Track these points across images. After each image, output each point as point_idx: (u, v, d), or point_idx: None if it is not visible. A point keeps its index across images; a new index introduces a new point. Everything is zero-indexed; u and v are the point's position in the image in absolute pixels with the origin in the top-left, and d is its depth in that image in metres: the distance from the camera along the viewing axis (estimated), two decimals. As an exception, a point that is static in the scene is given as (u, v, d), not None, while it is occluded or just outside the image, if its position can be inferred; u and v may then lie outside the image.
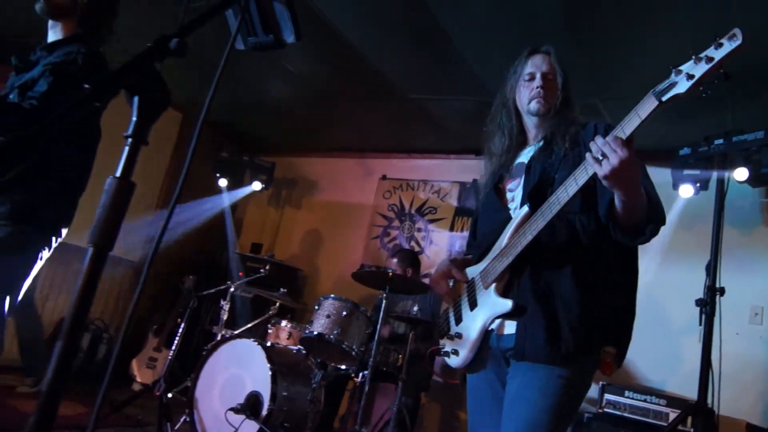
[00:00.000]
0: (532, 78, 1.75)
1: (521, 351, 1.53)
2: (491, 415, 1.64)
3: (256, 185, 5.66)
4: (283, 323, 3.70)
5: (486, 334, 1.66)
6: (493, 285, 1.63)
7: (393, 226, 5.29)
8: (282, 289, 3.81)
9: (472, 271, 1.76)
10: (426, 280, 3.64)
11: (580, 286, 1.51)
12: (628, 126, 1.31)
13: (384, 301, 3.19)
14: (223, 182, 5.67)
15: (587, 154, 1.34)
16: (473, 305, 1.70)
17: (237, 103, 4.92)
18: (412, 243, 5.09)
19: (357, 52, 3.64)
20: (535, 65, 1.76)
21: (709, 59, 1.18)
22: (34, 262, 1.96)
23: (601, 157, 1.29)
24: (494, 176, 1.86)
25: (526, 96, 1.75)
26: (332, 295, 3.36)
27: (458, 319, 1.77)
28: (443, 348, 1.80)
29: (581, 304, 1.50)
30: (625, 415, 3.30)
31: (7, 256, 1.86)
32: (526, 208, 1.59)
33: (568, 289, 1.52)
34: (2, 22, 4.11)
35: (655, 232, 1.44)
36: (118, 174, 0.71)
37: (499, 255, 1.62)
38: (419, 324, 3.34)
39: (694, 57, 1.20)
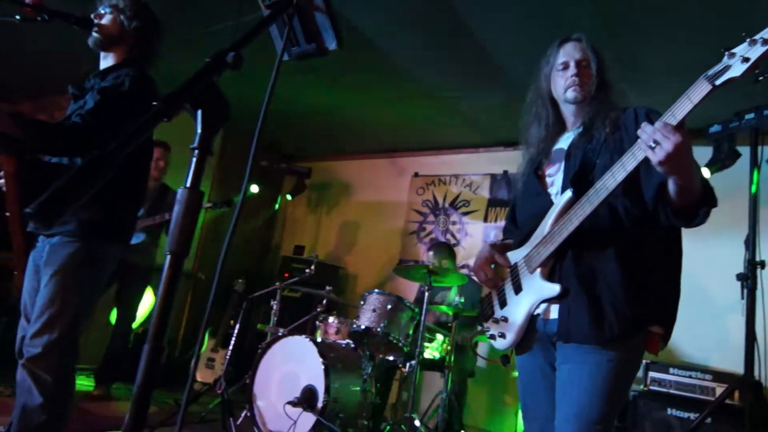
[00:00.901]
0: (566, 67, 1.70)
1: (566, 332, 1.50)
2: (543, 395, 1.62)
3: (290, 191, 5.75)
4: (331, 319, 3.73)
5: (532, 318, 1.63)
6: (539, 269, 1.60)
7: (428, 221, 5.26)
8: (328, 287, 3.84)
9: (514, 256, 1.73)
10: (464, 271, 3.62)
11: (624, 268, 1.47)
12: (680, 111, 1.26)
13: (426, 293, 3.19)
14: (255, 188, 5.72)
15: (639, 141, 1.30)
16: (518, 289, 1.67)
17: (272, 113, 4.97)
18: (448, 236, 5.06)
19: (385, 56, 3.63)
20: (567, 54, 1.71)
21: (765, 41, 1.13)
22: (105, 274, 2.00)
23: (653, 144, 1.25)
24: (533, 162, 1.82)
25: (562, 85, 1.70)
26: (376, 290, 3.37)
27: (503, 303, 1.75)
28: (488, 331, 1.78)
29: (625, 286, 1.46)
30: (671, 391, 3.21)
31: (79, 271, 1.88)
32: (569, 194, 1.55)
33: (612, 272, 1.48)
34: (54, 56, 4.25)
35: (707, 215, 1.38)
36: (188, 184, 0.72)
37: (543, 240, 1.59)
38: (462, 313, 3.32)
39: (748, 39, 1.15)
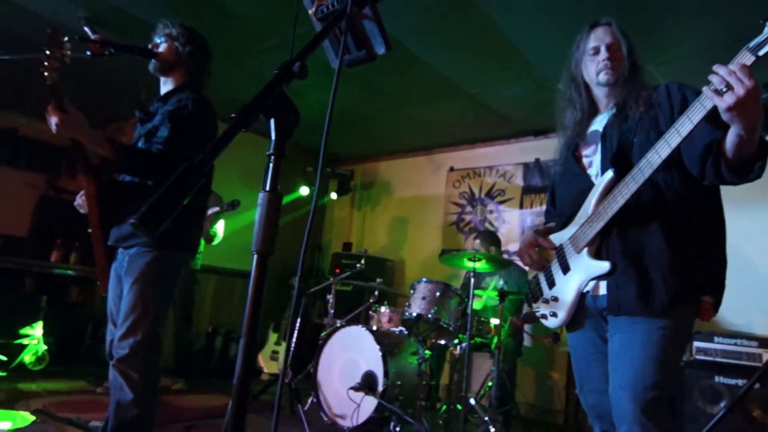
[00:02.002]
0: (596, 51, 1.64)
1: (616, 306, 1.45)
2: (597, 368, 1.57)
3: (334, 194, 5.87)
4: (383, 309, 3.73)
5: (582, 296, 1.58)
6: (586, 249, 1.55)
7: (466, 212, 5.20)
8: (378, 279, 3.84)
9: (558, 238, 1.69)
10: (505, 256, 3.55)
11: (669, 240, 1.41)
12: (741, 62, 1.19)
13: (472, 279, 3.15)
14: (305, 191, 5.80)
15: (705, 89, 1.21)
16: (566, 269, 1.63)
17: (316, 122, 5.02)
18: (486, 224, 4.99)
19: (418, 59, 3.60)
20: (598, 38, 1.65)
21: None
22: (178, 280, 2.04)
23: (725, 89, 1.15)
24: (569, 146, 1.76)
25: (594, 69, 1.64)
26: (424, 279, 3.35)
27: (551, 284, 1.70)
28: (538, 311, 1.74)
29: (671, 258, 1.40)
30: (717, 360, 3.06)
31: (155, 278, 1.93)
32: (610, 173, 1.50)
33: (657, 245, 1.42)
34: (115, 88, 4.41)
35: (763, 169, 1.28)
36: (267, 187, 0.72)
37: (588, 220, 1.54)
38: (507, 296, 3.27)
39: None
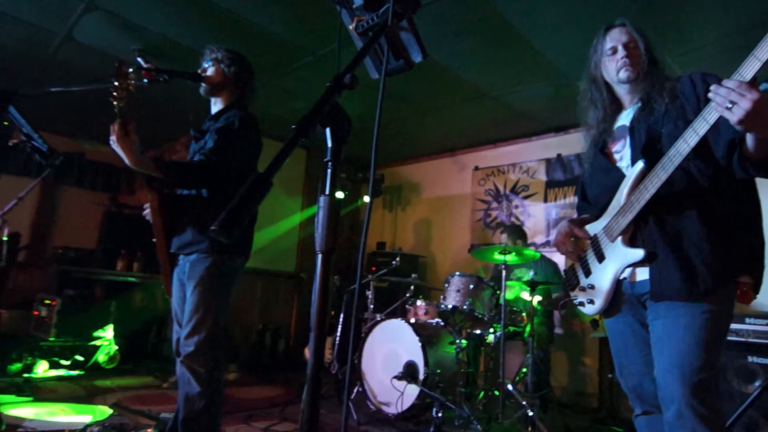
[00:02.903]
0: (614, 51, 1.59)
1: (659, 292, 1.40)
2: (636, 352, 1.53)
3: (366, 197, 5.86)
4: (419, 302, 3.72)
5: (618, 282, 1.54)
6: (620, 238, 1.51)
7: (492, 208, 5.13)
8: (413, 275, 3.83)
9: (592, 228, 1.65)
10: (531, 248, 3.49)
11: (706, 225, 1.36)
12: (749, 70, 1.14)
13: (503, 271, 3.11)
14: (340, 195, 5.82)
15: (712, 104, 1.19)
16: (601, 258, 1.58)
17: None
18: (512, 219, 4.91)
19: (442, 66, 3.58)
20: (614, 39, 1.61)
21: None
22: (235, 282, 2.07)
23: (730, 105, 1.13)
24: (597, 143, 1.72)
25: (613, 68, 1.60)
26: (458, 273, 3.32)
27: (587, 272, 1.66)
28: (575, 299, 1.70)
29: (710, 242, 1.34)
30: (750, 340, 2.94)
31: (214, 281, 1.96)
32: (641, 164, 1.45)
33: (696, 230, 1.37)
34: (166, 110, 4.54)
35: None
36: (326, 191, 0.73)
37: (621, 210, 1.50)
38: (536, 285, 3.21)
39: None
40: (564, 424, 3.26)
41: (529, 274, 3.56)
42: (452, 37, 3.23)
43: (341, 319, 3.93)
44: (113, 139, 1.83)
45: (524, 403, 2.95)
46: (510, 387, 3.03)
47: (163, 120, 4.65)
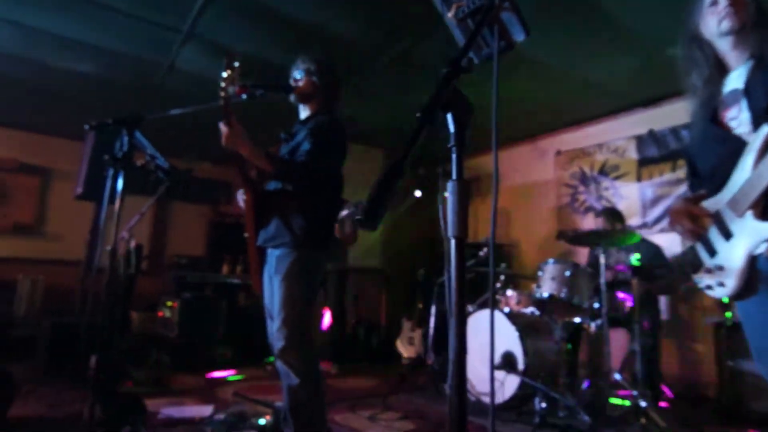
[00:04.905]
0: (714, 2, 1.41)
1: None
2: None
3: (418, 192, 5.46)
4: (509, 292, 3.60)
5: (752, 260, 1.36)
6: (750, 211, 1.33)
7: (579, 192, 4.83)
8: (503, 264, 3.72)
9: (712, 204, 1.47)
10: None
11: None
12: None
13: (602, 256, 2.91)
14: (418, 194, 5.74)
15: None
16: (728, 235, 1.40)
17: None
18: (603, 201, 4.59)
19: (519, 51, 3.42)
20: None
21: None
22: (319, 276, 2.08)
23: None
24: (706, 110, 1.53)
25: (715, 20, 1.40)
26: (552, 260, 3.16)
27: (711, 252, 1.48)
28: (700, 282, 1.52)
29: None
30: None
31: (299, 275, 1.98)
32: (766, 128, 1.27)
33: None
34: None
35: None
36: (454, 177, 0.71)
37: (748, 182, 1.32)
38: (642, 269, 2.96)
39: None
40: (680, 416, 2.98)
41: (633, 258, 3.29)
42: (532, 20, 3.06)
43: (433, 311, 3.90)
44: (224, 135, 1.93)
45: (635, 392, 2.74)
46: (618, 376, 2.83)
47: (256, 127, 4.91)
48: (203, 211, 5.99)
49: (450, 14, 1.05)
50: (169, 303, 4.56)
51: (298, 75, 2.24)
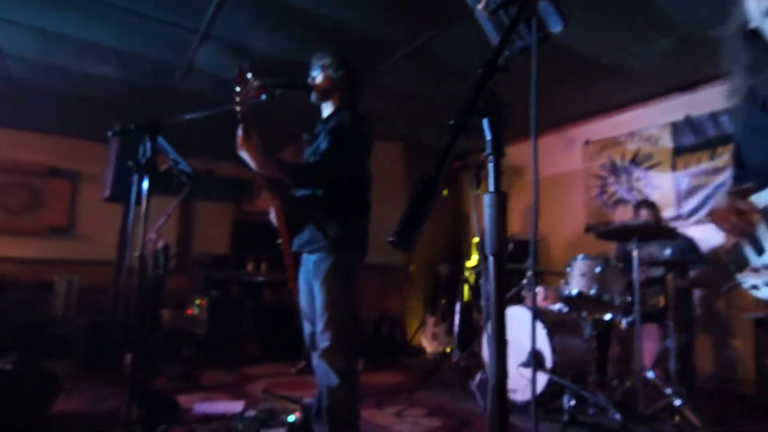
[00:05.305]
0: None
1: None
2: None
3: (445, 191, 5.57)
4: (536, 288, 3.51)
5: (805, 258, 1.26)
6: (803, 208, 1.23)
7: (610, 183, 4.65)
8: (529, 260, 3.62)
9: (761, 199, 1.37)
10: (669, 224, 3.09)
11: None
12: None
13: (634, 250, 2.78)
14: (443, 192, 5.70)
15: None
16: (779, 233, 1.31)
17: (443, 124, 4.92)
18: (634, 192, 4.41)
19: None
20: None
21: None
22: (356, 278, 2.07)
23: None
24: (753, 98, 1.42)
25: (756, 4, 1.30)
26: (581, 256, 3.04)
27: (759, 251, 1.38)
28: (745, 282, 1.42)
29: None
30: None
31: (337, 279, 1.98)
32: (821, 119, 1.16)
33: None
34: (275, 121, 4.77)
35: None
36: (491, 188, 0.65)
37: (804, 173, 1.22)
38: (675, 265, 2.84)
39: None
40: (715, 415, 2.86)
41: (667, 253, 3.17)
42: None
43: (458, 308, 3.84)
44: (239, 143, 1.92)
45: (669, 390, 2.63)
46: (651, 374, 2.73)
47: (281, 125, 4.91)
48: (226, 210, 6.04)
49: (480, 6, 0.98)
50: (198, 301, 4.62)
51: (314, 72, 2.20)
